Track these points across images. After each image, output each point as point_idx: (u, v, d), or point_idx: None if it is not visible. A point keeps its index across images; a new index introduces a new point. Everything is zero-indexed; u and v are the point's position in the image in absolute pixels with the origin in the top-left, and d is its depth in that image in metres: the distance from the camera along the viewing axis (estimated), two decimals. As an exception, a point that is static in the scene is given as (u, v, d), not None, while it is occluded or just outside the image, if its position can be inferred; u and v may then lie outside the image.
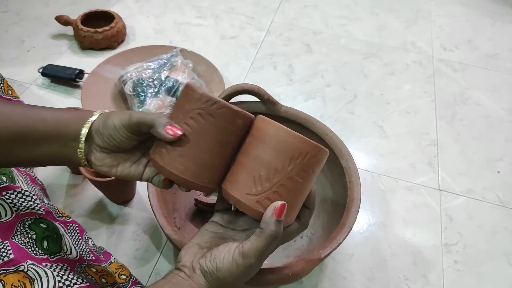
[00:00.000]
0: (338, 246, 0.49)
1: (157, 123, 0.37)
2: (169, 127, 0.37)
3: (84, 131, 0.38)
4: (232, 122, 0.38)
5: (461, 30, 1.18)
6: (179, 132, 0.37)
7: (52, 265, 0.45)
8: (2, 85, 0.78)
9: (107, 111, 0.41)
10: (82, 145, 0.39)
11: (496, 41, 1.14)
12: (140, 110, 0.79)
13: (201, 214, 0.66)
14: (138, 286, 0.56)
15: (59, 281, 0.43)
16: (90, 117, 0.39)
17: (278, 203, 0.35)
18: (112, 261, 0.59)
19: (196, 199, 0.64)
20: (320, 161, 0.37)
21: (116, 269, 0.57)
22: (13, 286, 0.39)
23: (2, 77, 0.78)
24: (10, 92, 0.80)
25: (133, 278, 0.57)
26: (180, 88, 0.81)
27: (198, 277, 0.36)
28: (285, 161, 0.36)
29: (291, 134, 0.36)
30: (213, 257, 0.36)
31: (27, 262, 0.42)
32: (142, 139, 0.40)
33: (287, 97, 0.93)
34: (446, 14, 1.23)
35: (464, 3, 1.29)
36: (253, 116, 0.39)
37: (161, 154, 0.38)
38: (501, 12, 1.26)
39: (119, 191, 0.67)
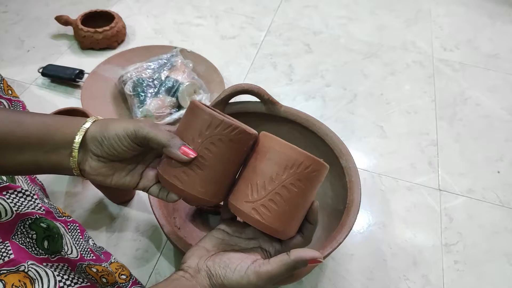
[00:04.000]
0: (338, 246, 0.49)
1: (172, 144, 0.37)
2: (184, 148, 0.37)
3: (78, 138, 0.37)
4: (247, 144, 0.40)
5: (461, 30, 1.18)
6: (194, 155, 0.37)
7: (53, 265, 0.45)
8: (1, 85, 0.78)
9: (101, 118, 0.40)
10: (75, 153, 0.37)
11: (496, 41, 1.14)
12: (140, 110, 0.78)
13: (201, 214, 0.66)
14: (138, 286, 0.56)
15: (60, 281, 0.43)
16: (83, 124, 0.38)
17: (320, 257, 0.36)
18: (112, 261, 0.59)
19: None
20: (316, 172, 0.38)
21: (116, 269, 0.57)
22: (13, 286, 0.39)
23: (2, 77, 0.78)
24: (10, 92, 0.79)
25: (133, 278, 0.57)
26: (181, 88, 0.81)
27: (202, 278, 0.36)
28: (279, 170, 0.37)
29: (286, 145, 0.38)
30: (224, 263, 0.37)
31: (27, 262, 0.42)
32: (145, 150, 0.40)
33: (287, 97, 0.93)
34: (446, 14, 1.23)
35: (464, 3, 1.29)
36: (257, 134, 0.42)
37: (180, 177, 0.38)
38: (501, 12, 1.26)
39: (119, 191, 0.67)
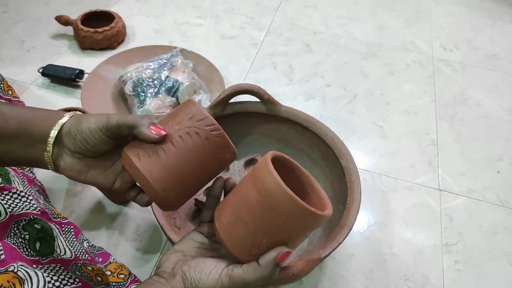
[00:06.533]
0: (338, 246, 0.49)
1: (140, 123, 0.36)
2: (153, 127, 0.36)
3: (53, 133, 0.36)
4: (222, 153, 0.38)
5: (461, 30, 1.18)
6: (163, 132, 0.36)
7: (43, 267, 0.44)
8: (2, 85, 0.78)
9: (80, 113, 0.39)
10: (50, 148, 0.37)
11: (496, 41, 1.14)
12: (140, 110, 0.79)
13: (201, 214, 0.66)
14: (137, 284, 0.56)
15: (49, 282, 0.42)
16: (60, 118, 0.37)
17: (284, 249, 0.36)
18: (111, 261, 0.59)
19: (196, 199, 0.64)
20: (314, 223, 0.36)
21: (115, 269, 0.57)
22: (2, 287, 0.38)
23: (2, 77, 0.78)
24: (10, 92, 0.80)
25: (132, 277, 0.57)
26: (181, 88, 0.81)
27: (176, 283, 0.36)
28: (292, 234, 0.36)
29: (303, 208, 0.34)
30: (199, 268, 0.36)
31: (17, 263, 0.42)
32: (116, 144, 0.39)
33: (287, 97, 0.93)
34: (446, 14, 1.23)
35: (464, 3, 1.29)
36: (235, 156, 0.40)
37: (141, 155, 0.36)
38: (501, 12, 1.26)
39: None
